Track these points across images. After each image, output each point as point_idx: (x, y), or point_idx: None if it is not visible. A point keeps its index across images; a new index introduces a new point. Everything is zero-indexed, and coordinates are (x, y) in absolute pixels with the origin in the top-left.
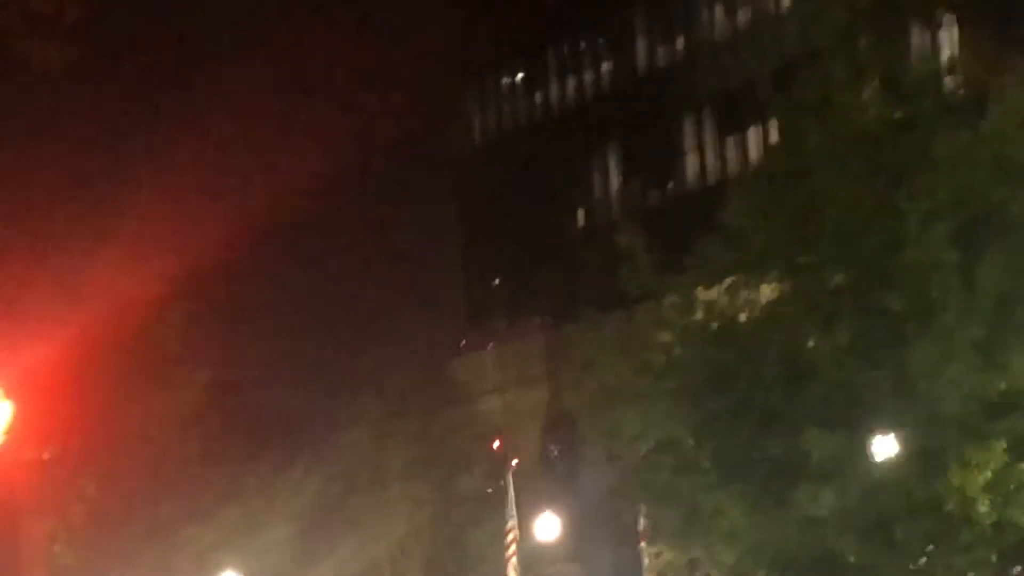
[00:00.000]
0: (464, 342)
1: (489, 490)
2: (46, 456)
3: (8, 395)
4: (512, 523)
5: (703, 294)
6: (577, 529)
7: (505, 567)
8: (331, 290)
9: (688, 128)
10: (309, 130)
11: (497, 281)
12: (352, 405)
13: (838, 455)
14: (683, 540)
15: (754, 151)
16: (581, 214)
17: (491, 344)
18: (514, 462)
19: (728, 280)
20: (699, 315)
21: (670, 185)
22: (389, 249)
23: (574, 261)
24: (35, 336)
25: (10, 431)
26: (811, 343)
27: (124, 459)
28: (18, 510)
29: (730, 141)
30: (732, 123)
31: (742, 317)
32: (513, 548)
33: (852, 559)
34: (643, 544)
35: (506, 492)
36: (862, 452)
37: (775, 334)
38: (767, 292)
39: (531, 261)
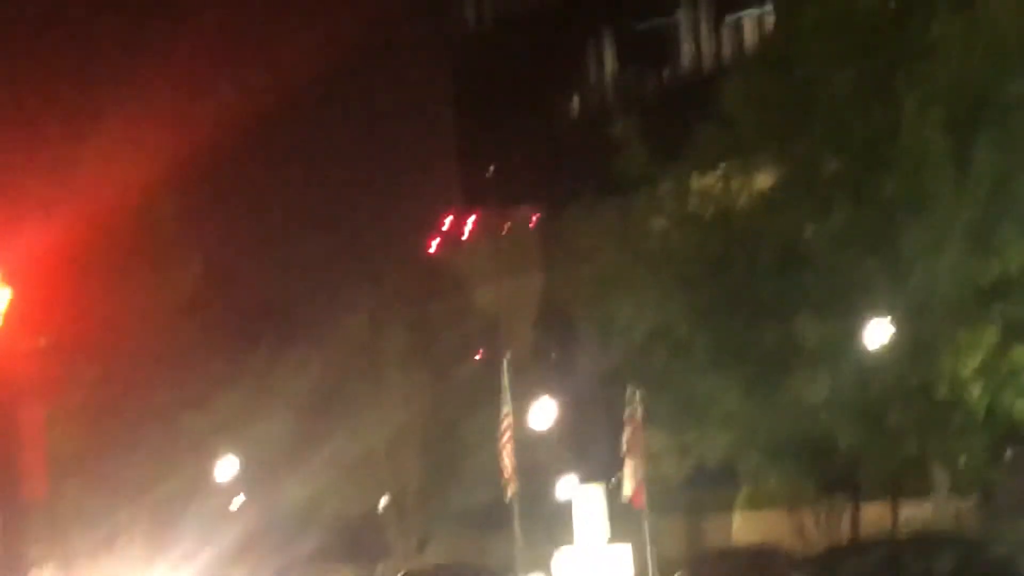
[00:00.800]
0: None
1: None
2: (43, 342)
3: (5, 281)
4: (507, 411)
5: (698, 182)
6: (572, 417)
7: (500, 455)
8: (326, 177)
9: (684, 13)
10: (305, 10)
11: (492, 168)
12: (349, 293)
13: (831, 341)
14: (677, 425)
15: (750, 37)
16: (576, 101)
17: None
18: (509, 351)
19: (723, 167)
20: (694, 203)
21: (665, 72)
22: (384, 136)
23: (569, 148)
24: (32, 223)
25: (7, 317)
26: (805, 230)
27: (121, 346)
28: (16, 396)
29: (726, 26)
30: (728, 8)
31: (737, 205)
32: (508, 436)
33: (844, 444)
34: (632, 428)
35: (501, 381)
36: (855, 338)
37: (769, 221)
38: (762, 180)
39: (526, 148)
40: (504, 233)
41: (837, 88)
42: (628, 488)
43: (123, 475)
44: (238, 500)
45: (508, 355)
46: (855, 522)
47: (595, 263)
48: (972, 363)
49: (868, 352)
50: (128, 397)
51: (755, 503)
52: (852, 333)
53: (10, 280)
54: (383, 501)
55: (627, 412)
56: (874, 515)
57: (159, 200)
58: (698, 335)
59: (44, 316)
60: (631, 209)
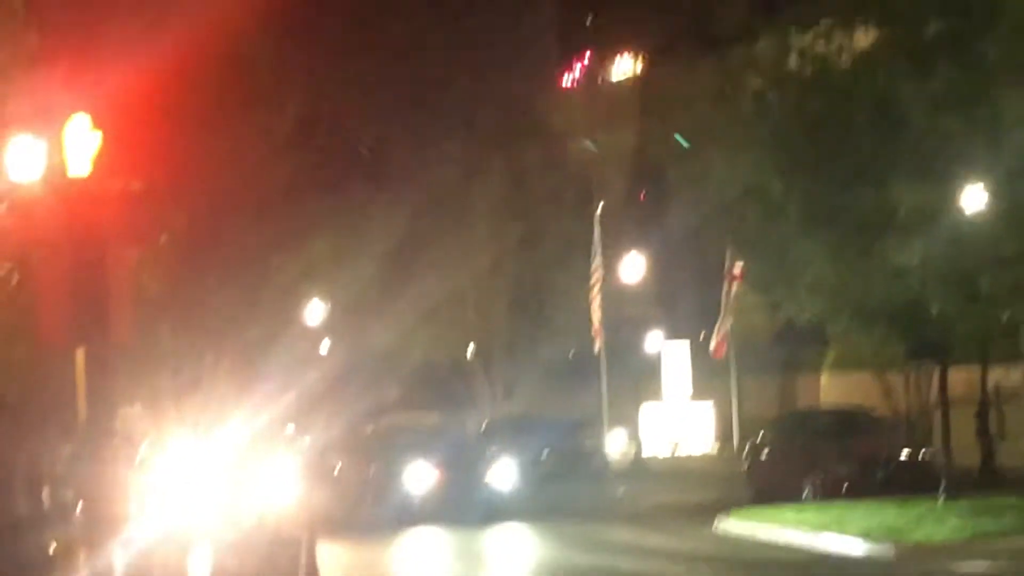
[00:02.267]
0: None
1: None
2: (134, 186)
3: (97, 124)
4: (597, 263)
5: (797, 39)
6: (662, 271)
7: (589, 307)
8: (422, 25)
9: None
10: None
11: (591, 18)
12: (441, 140)
13: (927, 206)
14: (768, 285)
15: None
16: None
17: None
18: (601, 204)
19: (823, 25)
20: (792, 61)
21: None
22: None
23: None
24: (121, 65)
25: (98, 161)
26: (904, 92)
27: (212, 189)
28: (105, 241)
29: None
30: None
31: (836, 64)
32: (597, 288)
33: (936, 310)
34: (728, 284)
35: (592, 232)
36: (951, 203)
37: (868, 82)
38: (861, 39)
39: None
40: (600, 83)
41: None
42: (713, 341)
43: (211, 318)
44: (325, 344)
45: (600, 207)
46: (943, 386)
47: (691, 117)
48: None
49: (963, 217)
50: (217, 240)
51: (843, 364)
52: (947, 198)
53: (100, 123)
54: (470, 349)
55: (727, 267)
56: (962, 379)
57: (251, 41)
58: (791, 196)
59: (135, 160)
60: (728, 64)
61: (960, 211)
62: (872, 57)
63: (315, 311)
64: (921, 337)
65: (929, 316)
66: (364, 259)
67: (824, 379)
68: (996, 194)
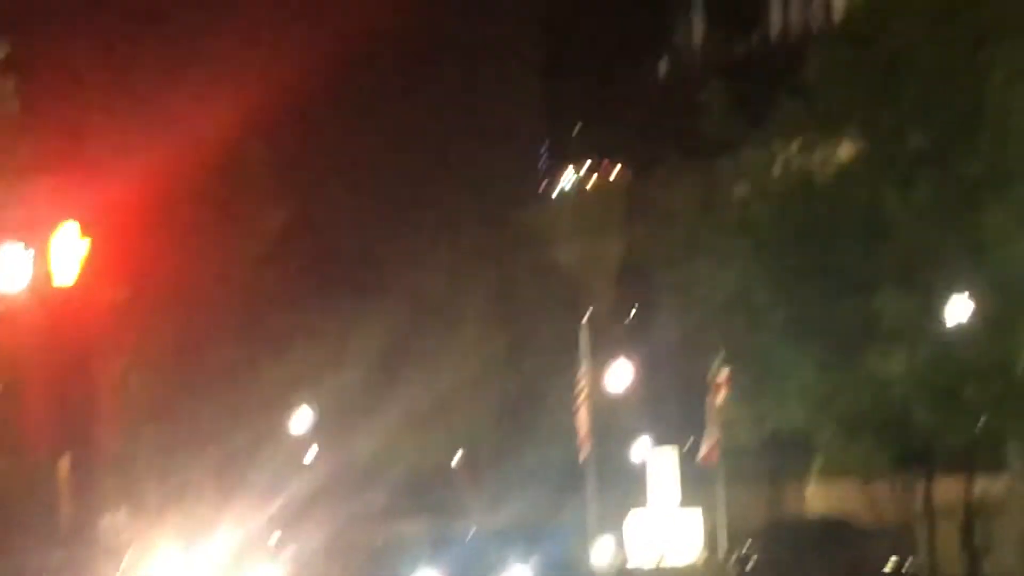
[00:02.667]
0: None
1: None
2: (122, 294)
3: (85, 232)
4: (584, 371)
5: (781, 150)
6: (649, 379)
7: (576, 415)
8: (410, 132)
9: None
10: None
11: (578, 128)
12: (428, 247)
13: (910, 316)
14: (753, 394)
15: (840, 4)
16: (664, 64)
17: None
18: (588, 311)
19: (806, 137)
20: (777, 171)
21: (754, 37)
22: (469, 93)
23: (655, 110)
24: (113, 174)
25: (85, 269)
26: (887, 203)
27: (200, 296)
28: (90, 349)
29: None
30: None
31: (819, 175)
32: (584, 395)
33: (921, 419)
34: (713, 396)
35: (579, 340)
36: (934, 314)
37: (852, 193)
38: (845, 151)
39: (612, 108)
40: (588, 192)
41: (923, 62)
42: (703, 449)
43: (197, 426)
44: (312, 452)
45: (587, 315)
46: (928, 496)
47: (678, 226)
48: None
49: (946, 328)
50: (205, 348)
51: (829, 473)
52: (931, 308)
53: (89, 231)
54: (457, 457)
55: (712, 375)
56: (948, 489)
57: (242, 150)
58: (777, 305)
59: (123, 267)
60: (714, 174)
61: (943, 322)
62: (856, 169)
63: (302, 418)
64: (906, 447)
65: (914, 426)
66: (351, 367)
67: (810, 488)
68: (978, 305)
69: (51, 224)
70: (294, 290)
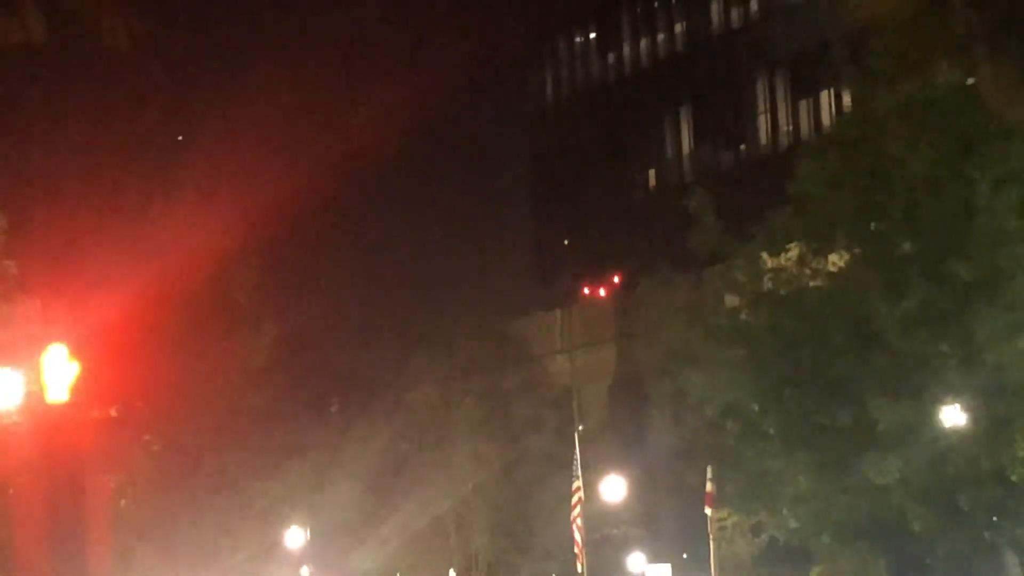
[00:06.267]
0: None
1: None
2: (112, 414)
3: (74, 354)
4: (578, 484)
5: (771, 260)
6: (643, 491)
7: (570, 528)
8: (400, 248)
9: (760, 91)
10: (378, 88)
11: (567, 241)
12: (420, 363)
13: (904, 423)
14: (748, 504)
15: (826, 116)
16: (652, 175)
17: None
18: (580, 427)
19: (796, 246)
20: (767, 281)
21: (742, 148)
22: (459, 208)
23: (644, 223)
24: (101, 292)
25: (75, 389)
26: (878, 311)
27: (191, 415)
28: (83, 468)
29: (802, 105)
30: (805, 87)
31: (809, 284)
32: (578, 510)
33: (917, 527)
34: (708, 507)
35: (573, 453)
36: (928, 421)
37: (842, 302)
38: (835, 260)
39: (601, 222)
40: (579, 304)
41: (911, 169)
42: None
43: (191, 544)
44: (305, 571)
45: (579, 428)
46: None
47: (668, 338)
48: None
49: (941, 434)
50: (197, 466)
51: None
52: (924, 415)
53: (77, 352)
54: (451, 573)
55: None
56: None
57: (230, 269)
58: (769, 414)
59: (112, 387)
60: (704, 284)
61: (937, 428)
62: (845, 277)
63: (295, 536)
64: (903, 554)
65: (911, 533)
66: (344, 483)
67: None
68: (972, 411)
69: (40, 345)
70: (286, 406)
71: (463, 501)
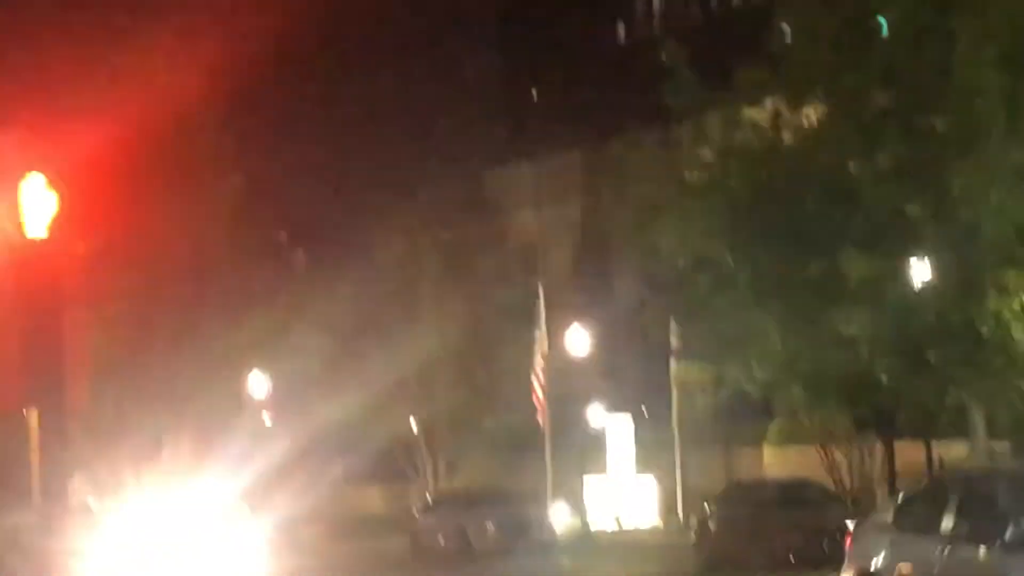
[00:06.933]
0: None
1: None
2: (92, 247)
3: (53, 184)
4: (541, 337)
5: (747, 113)
6: (606, 345)
7: (532, 381)
8: (370, 97)
9: None
10: None
11: (536, 93)
12: (387, 213)
13: (875, 277)
14: (716, 357)
15: None
16: (622, 28)
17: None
18: (545, 277)
19: (772, 100)
20: (742, 135)
21: (714, 2)
22: (430, 59)
23: (615, 76)
24: (80, 126)
25: (55, 223)
26: (853, 165)
27: (162, 257)
28: (61, 302)
29: None
30: None
31: (785, 138)
32: (540, 361)
33: (884, 380)
34: (672, 361)
35: (537, 306)
36: (899, 275)
37: (817, 156)
38: (811, 113)
39: (571, 75)
40: (546, 158)
41: (891, 22)
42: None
43: (159, 386)
44: (266, 417)
45: (543, 281)
46: (891, 459)
47: (641, 190)
48: (1017, 303)
49: (911, 289)
50: (166, 308)
51: (785, 439)
52: (896, 269)
53: (58, 182)
54: (411, 424)
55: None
56: (906, 455)
57: (204, 110)
58: (741, 266)
59: (92, 220)
60: (675, 140)
61: (908, 283)
62: (820, 131)
63: (258, 383)
64: (868, 410)
65: (877, 388)
66: (306, 331)
67: (766, 453)
68: (944, 266)
69: (17, 176)
70: (253, 254)
71: (427, 352)
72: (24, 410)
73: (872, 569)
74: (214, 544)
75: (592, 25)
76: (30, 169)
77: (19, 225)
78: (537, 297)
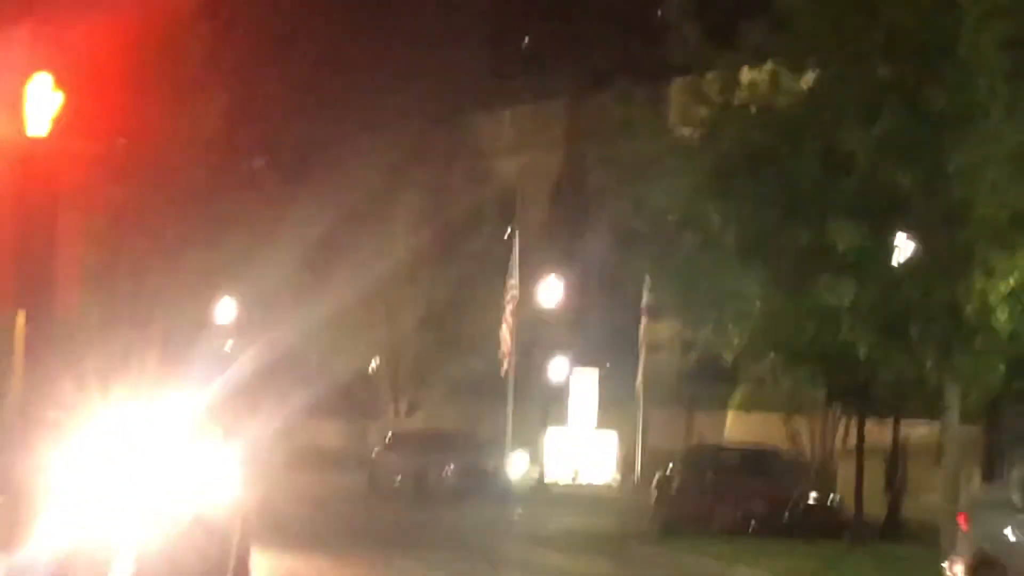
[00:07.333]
0: None
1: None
2: (95, 149)
3: (59, 84)
4: (512, 284)
5: (746, 74)
6: (578, 298)
7: (501, 327)
8: (356, 26)
9: None
10: None
11: (526, 39)
12: (368, 145)
13: (862, 248)
14: (692, 318)
15: None
16: None
17: None
18: (519, 224)
19: (772, 62)
20: (739, 95)
21: None
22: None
23: (606, 27)
24: (84, 30)
25: (57, 121)
26: (849, 133)
27: (150, 171)
28: (57, 202)
29: None
30: None
31: (783, 101)
32: (510, 310)
33: (863, 353)
34: (644, 317)
35: (511, 253)
36: (887, 247)
37: (814, 121)
38: (811, 78)
39: (560, 22)
40: (530, 104)
41: None
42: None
43: (140, 298)
44: (229, 343)
45: (518, 228)
46: (860, 433)
47: (631, 147)
48: (1003, 286)
49: (897, 262)
50: (146, 224)
51: (749, 405)
52: (884, 242)
53: (63, 81)
54: (374, 361)
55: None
56: (869, 430)
57: (189, 29)
58: (728, 227)
59: (89, 125)
60: (667, 94)
61: (894, 255)
62: (819, 96)
63: (226, 309)
64: (845, 381)
65: (856, 358)
66: (278, 257)
67: (729, 418)
68: (932, 242)
69: (23, 74)
70: (227, 177)
71: (396, 290)
72: (13, 313)
73: (1000, 557)
74: (187, 463)
75: None
76: (37, 68)
77: (21, 124)
78: (512, 245)
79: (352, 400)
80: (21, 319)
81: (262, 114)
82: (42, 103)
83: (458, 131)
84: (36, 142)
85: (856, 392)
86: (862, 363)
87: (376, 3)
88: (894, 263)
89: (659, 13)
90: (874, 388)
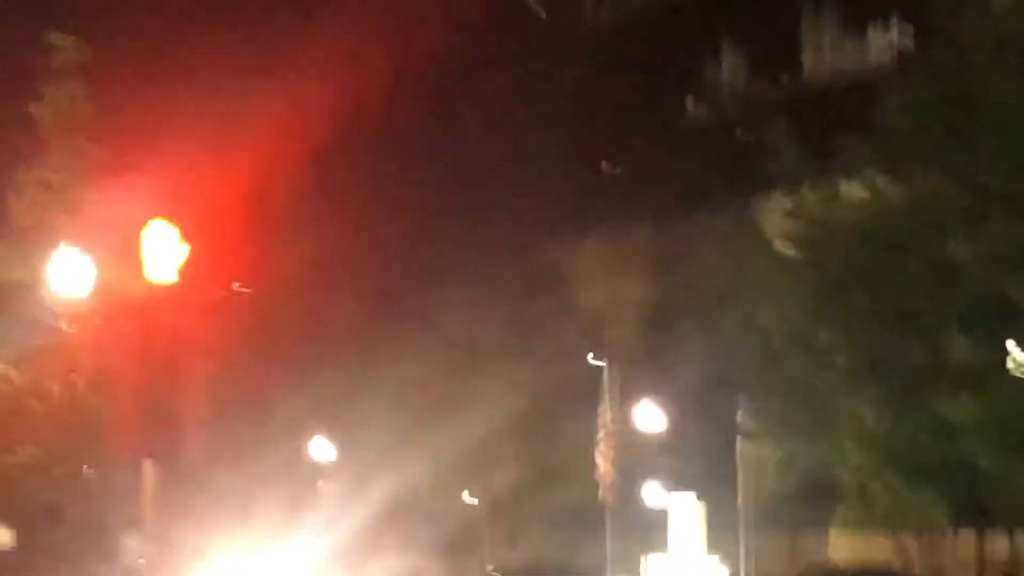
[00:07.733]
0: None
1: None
2: (217, 296)
3: (183, 235)
4: (605, 411)
5: (846, 187)
6: (672, 422)
7: (596, 456)
8: (440, 168)
9: (808, 20)
10: (422, 15)
11: (607, 166)
12: (453, 284)
13: (980, 361)
14: (804, 435)
15: (875, 46)
16: (693, 105)
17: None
18: (611, 352)
19: (872, 174)
20: (841, 209)
21: (784, 77)
22: (501, 134)
23: (690, 153)
24: (201, 178)
25: (183, 268)
26: (957, 244)
27: (261, 311)
28: (182, 348)
29: (849, 34)
30: (855, 17)
31: (887, 213)
32: (603, 435)
33: (988, 468)
34: (741, 439)
35: (601, 381)
36: (1004, 358)
37: (921, 234)
38: (914, 189)
39: (643, 151)
40: (616, 231)
41: (1001, 100)
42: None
43: (241, 440)
44: (330, 482)
45: (610, 356)
46: (981, 550)
47: (731, 264)
48: None
49: (1017, 374)
50: (250, 371)
51: (853, 524)
52: (1001, 353)
53: (187, 233)
54: (471, 496)
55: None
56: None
57: (304, 173)
58: (839, 345)
59: (206, 273)
60: (753, 214)
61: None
62: (925, 207)
63: (320, 449)
64: (968, 498)
65: (980, 474)
66: (371, 400)
67: (833, 537)
68: None
69: (140, 223)
70: (322, 321)
71: (491, 424)
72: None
73: None
74: None
75: (665, 102)
76: (154, 216)
77: (141, 272)
78: (602, 372)
79: (452, 535)
80: (148, 467)
81: (357, 260)
82: (165, 252)
83: (543, 262)
84: (158, 291)
85: (976, 507)
86: (984, 478)
87: (459, 136)
88: (1014, 376)
89: (736, 133)
90: (998, 503)
